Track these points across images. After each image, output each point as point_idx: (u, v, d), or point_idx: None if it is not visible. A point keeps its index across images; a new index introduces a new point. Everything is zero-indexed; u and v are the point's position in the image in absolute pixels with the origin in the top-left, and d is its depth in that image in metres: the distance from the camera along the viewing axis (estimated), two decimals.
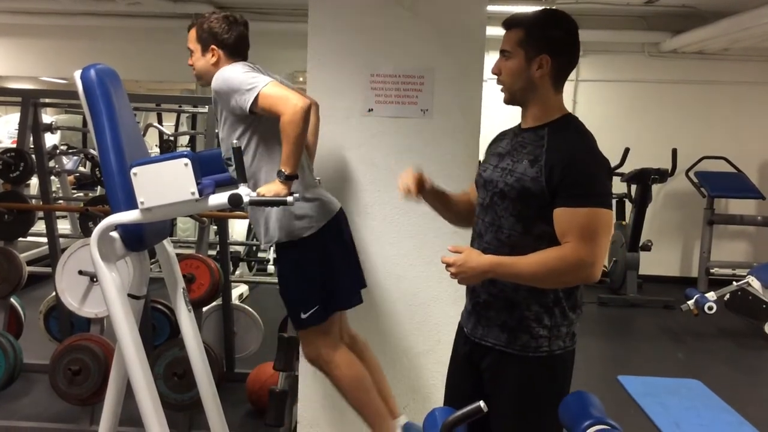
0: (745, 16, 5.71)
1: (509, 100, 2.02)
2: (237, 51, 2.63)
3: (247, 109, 2.40)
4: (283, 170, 2.36)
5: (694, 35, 6.64)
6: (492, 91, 5.56)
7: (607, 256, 7.36)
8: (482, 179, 2.07)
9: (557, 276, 1.87)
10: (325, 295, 2.63)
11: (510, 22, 1.97)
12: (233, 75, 2.46)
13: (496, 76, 2.00)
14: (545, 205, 1.88)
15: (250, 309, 4.39)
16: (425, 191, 2.15)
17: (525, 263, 1.87)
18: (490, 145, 2.16)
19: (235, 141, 2.33)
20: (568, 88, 7.62)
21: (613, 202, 1.90)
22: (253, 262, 6.97)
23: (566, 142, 1.91)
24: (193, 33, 2.63)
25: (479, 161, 2.33)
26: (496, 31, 5.68)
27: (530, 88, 1.95)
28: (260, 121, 2.49)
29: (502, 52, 1.97)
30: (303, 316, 2.61)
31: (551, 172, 1.86)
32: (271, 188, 2.35)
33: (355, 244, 2.81)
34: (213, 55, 2.60)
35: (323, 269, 2.61)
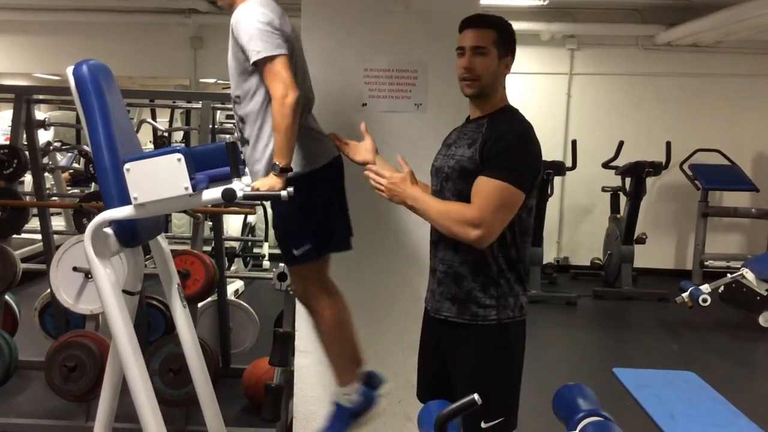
0: (738, 8, 5.72)
1: (477, 94, 2.17)
2: None
3: (250, 62, 2.37)
4: (277, 163, 2.34)
5: (688, 28, 6.65)
6: None
7: (603, 250, 7.39)
8: (434, 168, 2.29)
9: (450, 223, 2.07)
10: (319, 235, 2.56)
11: (482, 22, 2.15)
12: (252, 24, 2.36)
13: (466, 70, 2.14)
14: None
15: (246, 304, 4.39)
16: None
17: (434, 202, 2.13)
18: (444, 139, 2.36)
19: (228, 137, 2.32)
20: (563, 81, 7.63)
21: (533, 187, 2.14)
22: (248, 258, 6.96)
23: (500, 125, 2.13)
24: None
25: None
26: None
27: (495, 84, 2.17)
28: None
29: (475, 48, 2.12)
30: (295, 252, 2.54)
31: (483, 149, 2.08)
32: (266, 182, 2.33)
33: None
34: None
35: (319, 208, 2.55)
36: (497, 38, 2.13)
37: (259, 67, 2.36)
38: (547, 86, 7.55)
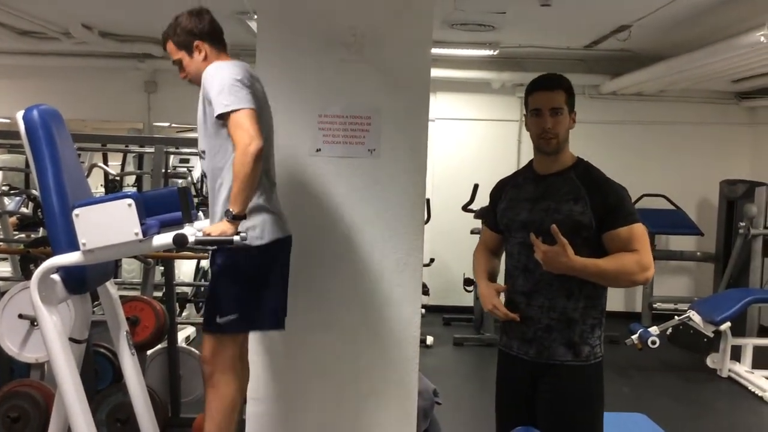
0: (679, 59, 5.94)
1: (555, 150, 2.40)
2: (216, 37, 2.65)
3: (215, 115, 2.40)
4: (231, 210, 2.34)
5: (632, 78, 6.88)
6: (437, 132, 5.57)
7: None
8: (517, 222, 2.41)
9: (630, 275, 2.29)
10: (248, 310, 2.54)
11: (555, 84, 2.40)
12: (223, 79, 2.43)
13: (546, 131, 2.37)
14: (591, 234, 2.30)
15: (197, 351, 4.31)
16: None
17: (607, 263, 2.27)
18: (505, 192, 2.54)
19: (181, 182, 2.32)
20: (513, 128, 7.70)
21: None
22: (200, 303, 6.84)
23: (596, 179, 2.40)
24: (170, 45, 2.64)
25: (484, 209, 2.67)
26: (440, 73, 5.72)
27: (567, 139, 2.43)
28: None
29: (553, 109, 2.36)
30: (218, 320, 2.52)
31: (596, 205, 2.30)
32: (218, 227, 2.34)
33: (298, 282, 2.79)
34: (200, 51, 2.60)
35: (257, 283, 2.54)
36: (567, 98, 2.39)
37: (225, 120, 2.38)
38: (498, 133, 7.69)
